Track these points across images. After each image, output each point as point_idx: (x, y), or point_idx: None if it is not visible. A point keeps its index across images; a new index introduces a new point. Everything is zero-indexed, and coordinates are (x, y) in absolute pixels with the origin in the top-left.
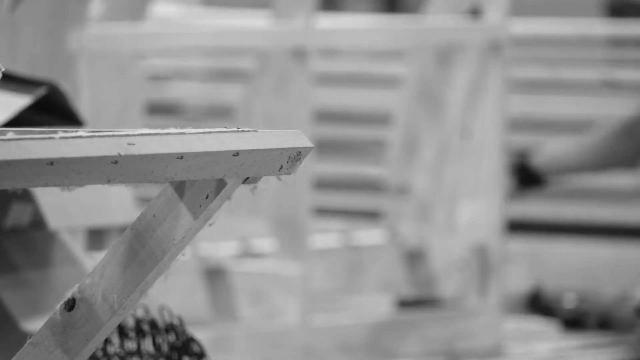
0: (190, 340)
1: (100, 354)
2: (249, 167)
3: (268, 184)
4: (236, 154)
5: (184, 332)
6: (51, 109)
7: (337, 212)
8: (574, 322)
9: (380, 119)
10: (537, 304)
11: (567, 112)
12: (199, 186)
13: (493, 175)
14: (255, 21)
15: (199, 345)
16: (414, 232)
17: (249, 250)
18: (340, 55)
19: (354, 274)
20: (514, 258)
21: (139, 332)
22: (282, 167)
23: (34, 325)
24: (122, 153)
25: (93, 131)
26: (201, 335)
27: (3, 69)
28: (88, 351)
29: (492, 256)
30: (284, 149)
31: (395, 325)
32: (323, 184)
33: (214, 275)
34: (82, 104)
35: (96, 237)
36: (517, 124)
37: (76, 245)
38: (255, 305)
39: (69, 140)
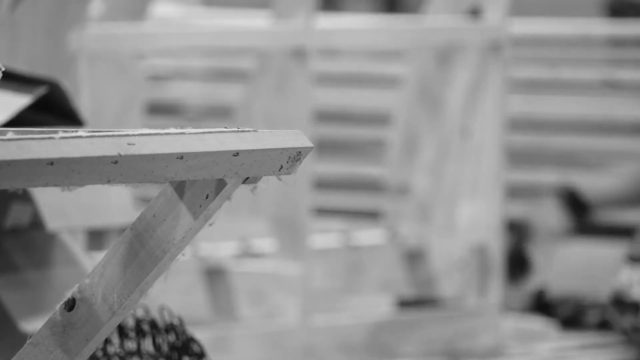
0: (190, 340)
1: (100, 354)
2: (249, 167)
3: (268, 184)
4: (236, 154)
5: (184, 332)
6: (51, 107)
7: (337, 212)
8: (574, 321)
9: (380, 119)
10: (541, 303)
11: (567, 112)
12: (199, 186)
13: (493, 176)
14: (255, 21)
15: (199, 345)
16: (414, 232)
17: (249, 250)
18: (340, 55)
19: (354, 274)
20: None
21: (139, 332)
22: (282, 167)
23: (33, 325)
24: (122, 153)
25: (93, 131)
26: (201, 335)
27: (3, 69)
28: (88, 351)
29: (492, 256)
30: (284, 149)
31: (395, 325)
32: (323, 184)
33: (214, 275)
34: (82, 104)
35: (96, 237)
36: (517, 124)
37: (76, 245)
38: (255, 305)
39: (69, 140)
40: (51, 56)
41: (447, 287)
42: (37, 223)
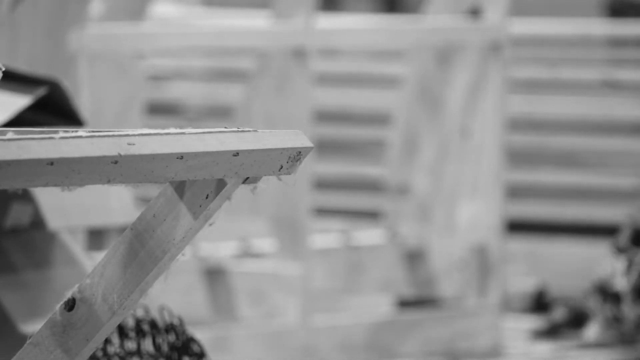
0: (190, 340)
1: (100, 354)
2: (249, 167)
3: (268, 184)
4: (236, 154)
5: (184, 332)
6: (51, 107)
7: (337, 212)
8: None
9: (380, 119)
10: (541, 303)
11: (567, 112)
12: (199, 186)
13: (493, 175)
14: (255, 21)
15: (199, 345)
16: (414, 232)
17: (249, 250)
18: (340, 55)
19: (354, 274)
20: (514, 258)
21: (139, 332)
22: (282, 167)
23: (32, 326)
24: (122, 153)
25: (93, 131)
26: (201, 335)
27: (4, 68)
28: (88, 351)
29: (492, 256)
30: (284, 149)
31: (395, 325)
32: (323, 184)
33: (214, 275)
34: (82, 104)
35: (96, 237)
36: (517, 124)
37: (76, 245)
38: (255, 305)
39: (69, 140)
40: (51, 56)
41: (447, 287)
42: (37, 223)
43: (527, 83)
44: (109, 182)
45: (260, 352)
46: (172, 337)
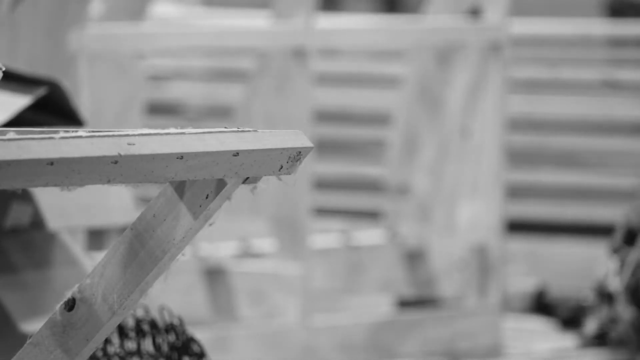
0: (190, 340)
1: (100, 354)
2: (249, 167)
3: (268, 184)
4: (236, 154)
5: (184, 332)
6: (51, 107)
7: (337, 212)
8: (574, 321)
9: (380, 119)
10: (541, 303)
11: (567, 112)
12: (199, 186)
13: (493, 175)
14: (255, 21)
15: (199, 345)
16: (414, 232)
17: (249, 250)
18: (340, 55)
19: (354, 274)
20: (514, 258)
21: (139, 332)
22: (282, 167)
23: (32, 326)
24: (122, 153)
25: (93, 131)
26: (201, 335)
27: (4, 68)
28: (88, 351)
29: (492, 256)
30: (284, 149)
31: (395, 325)
32: (323, 184)
33: (214, 275)
34: (82, 104)
35: (96, 237)
36: (517, 124)
37: (76, 245)
38: (255, 305)
39: (69, 140)
40: (51, 56)
41: (447, 287)
42: (37, 223)
43: (527, 83)
44: (109, 182)
45: (260, 352)
46: (172, 337)
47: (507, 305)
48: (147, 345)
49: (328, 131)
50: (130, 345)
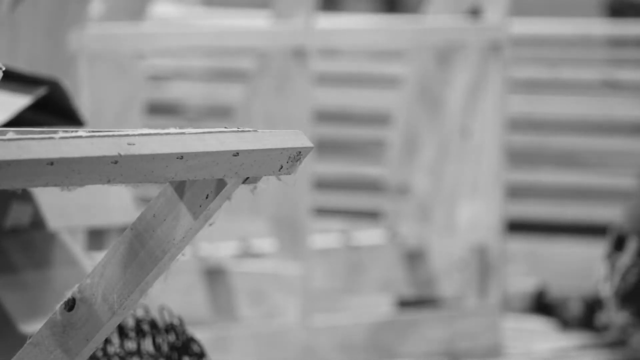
0: (190, 340)
1: (100, 354)
2: (249, 167)
3: (268, 184)
4: (236, 154)
5: (184, 332)
6: (51, 107)
7: (337, 212)
8: (575, 321)
9: (380, 119)
10: (541, 303)
11: (567, 112)
12: (199, 186)
13: (493, 175)
14: (255, 21)
15: (199, 345)
16: (414, 232)
17: (249, 250)
18: (340, 55)
19: (354, 274)
20: (514, 258)
21: (139, 332)
22: (282, 167)
23: (32, 326)
24: (122, 153)
25: (93, 131)
26: (201, 335)
27: (4, 68)
28: (88, 351)
29: (492, 256)
30: (284, 149)
31: (395, 325)
32: (323, 184)
33: (214, 275)
34: (82, 104)
35: (96, 237)
36: (517, 124)
37: (76, 245)
38: (255, 305)
39: (69, 140)
40: (51, 56)
41: (447, 287)
42: (37, 223)
43: (527, 83)
44: (109, 182)
45: (260, 352)
46: (172, 337)
47: (507, 305)
48: (147, 345)
49: (328, 131)
50: (130, 345)
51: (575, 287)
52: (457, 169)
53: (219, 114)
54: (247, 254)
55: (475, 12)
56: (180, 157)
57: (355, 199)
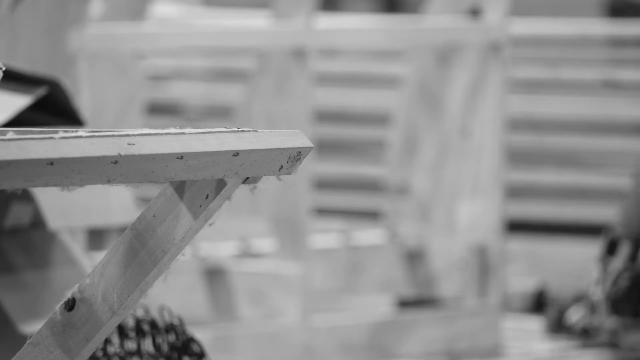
0: (190, 340)
1: (100, 354)
2: (249, 167)
3: (268, 184)
4: (236, 154)
5: (184, 332)
6: (52, 107)
7: (337, 212)
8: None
9: (380, 119)
10: (541, 303)
11: (567, 112)
12: (199, 186)
13: (493, 175)
14: (255, 21)
15: (199, 345)
16: (414, 232)
17: (249, 250)
18: (340, 55)
19: (354, 274)
20: (514, 258)
21: (139, 332)
22: (282, 167)
23: (32, 326)
24: (122, 153)
25: (93, 131)
26: (201, 335)
27: (4, 68)
28: (88, 351)
29: (492, 256)
30: (284, 149)
31: (395, 325)
32: (323, 184)
33: (214, 275)
34: (82, 104)
35: (96, 237)
36: (517, 124)
37: (76, 245)
38: (255, 305)
39: (69, 140)
40: (51, 56)
41: (447, 287)
42: (37, 223)
43: (527, 83)
44: (109, 182)
45: (260, 352)
46: (172, 337)
47: (507, 305)
48: (147, 345)
49: (328, 131)
50: (130, 345)
51: (575, 287)
52: (456, 169)
53: (219, 114)
54: (247, 254)
55: (475, 12)
56: (180, 157)
57: (355, 199)
